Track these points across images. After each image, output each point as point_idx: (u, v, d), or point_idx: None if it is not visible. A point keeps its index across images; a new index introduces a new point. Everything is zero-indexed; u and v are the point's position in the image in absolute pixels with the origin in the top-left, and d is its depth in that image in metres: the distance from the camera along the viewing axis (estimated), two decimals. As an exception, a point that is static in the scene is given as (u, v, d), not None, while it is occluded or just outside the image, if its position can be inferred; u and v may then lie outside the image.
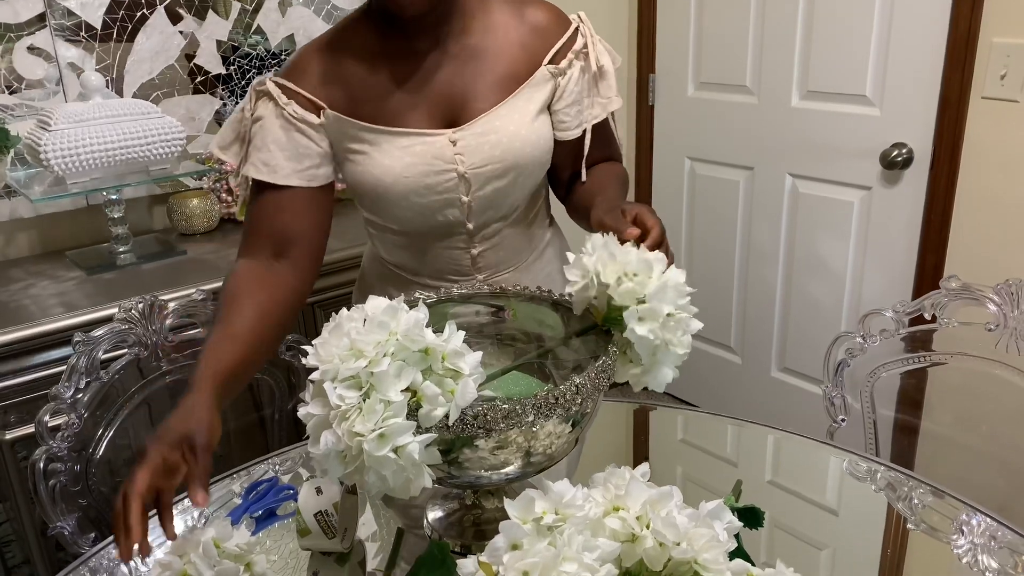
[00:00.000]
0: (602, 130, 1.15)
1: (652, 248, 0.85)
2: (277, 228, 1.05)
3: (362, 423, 0.68)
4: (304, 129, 1.06)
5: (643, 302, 0.81)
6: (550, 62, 1.10)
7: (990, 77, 1.82)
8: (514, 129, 1.08)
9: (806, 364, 2.38)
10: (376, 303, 0.74)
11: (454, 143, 1.07)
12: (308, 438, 0.74)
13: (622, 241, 0.85)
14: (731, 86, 2.37)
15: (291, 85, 1.06)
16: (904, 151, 2.00)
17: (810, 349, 2.35)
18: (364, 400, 0.69)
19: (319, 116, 1.07)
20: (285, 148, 1.05)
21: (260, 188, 1.06)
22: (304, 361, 0.74)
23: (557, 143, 1.14)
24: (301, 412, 0.73)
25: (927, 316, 1.26)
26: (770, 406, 2.52)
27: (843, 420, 1.33)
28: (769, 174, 2.34)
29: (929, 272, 2.03)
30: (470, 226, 1.13)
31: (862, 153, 2.09)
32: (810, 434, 1.22)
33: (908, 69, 1.96)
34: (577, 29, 1.12)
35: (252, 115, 1.07)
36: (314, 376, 0.72)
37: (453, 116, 1.08)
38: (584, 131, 1.13)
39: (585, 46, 1.11)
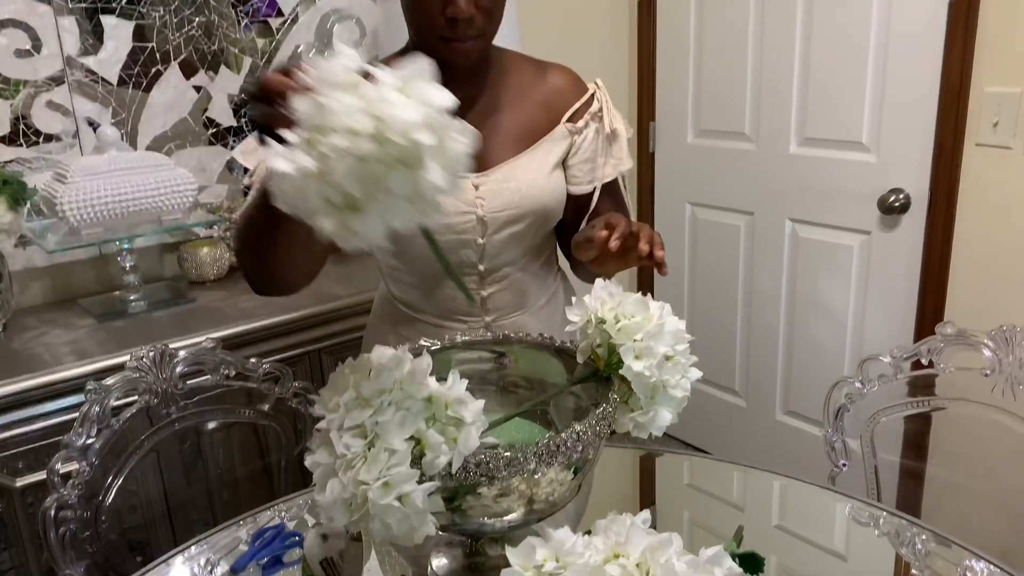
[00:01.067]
0: (613, 190, 1.23)
1: (621, 237, 0.90)
2: None
3: (367, 472, 0.69)
4: None
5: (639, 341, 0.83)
6: (568, 120, 1.19)
7: (983, 125, 1.86)
8: (532, 178, 1.15)
9: (810, 407, 2.38)
10: (380, 352, 0.77)
11: (476, 187, 1.13)
12: (314, 486, 0.75)
13: (591, 240, 0.90)
14: (730, 133, 2.41)
15: None
16: (901, 196, 2.03)
17: (814, 392, 2.36)
18: (369, 449, 0.71)
19: None
20: None
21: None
22: (312, 410, 0.76)
23: (568, 198, 1.21)
24: (308, 461, 0.74)
25: (924, 361, 1.28)
26: (775, 449, 2.51)
27: (844, 465, 1.34)
28: (769, 219, 2.37)
29: (930, 315, 2.05)
30: (482, 268, 1.19)
31: (860, 198, 2.13)
32: (816, 478, 1.23)
33: (903, 117, 2.00)
34: (594, 95, 1.21)
35: None
36: (321, 425, 0.73)
37: (477, 161, 1.13)
38: (595, 188, 1.21)
39: (601, 110, 1.20)
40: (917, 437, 1.43)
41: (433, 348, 0.98)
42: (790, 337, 2.40)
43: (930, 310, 2.05)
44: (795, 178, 2.27)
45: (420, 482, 0.72)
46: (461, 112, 1.12)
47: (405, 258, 1.19)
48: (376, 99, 0.59)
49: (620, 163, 1.22)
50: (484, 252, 1.18)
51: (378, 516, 0.70)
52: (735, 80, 2.35)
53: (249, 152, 1.10)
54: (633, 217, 1.28)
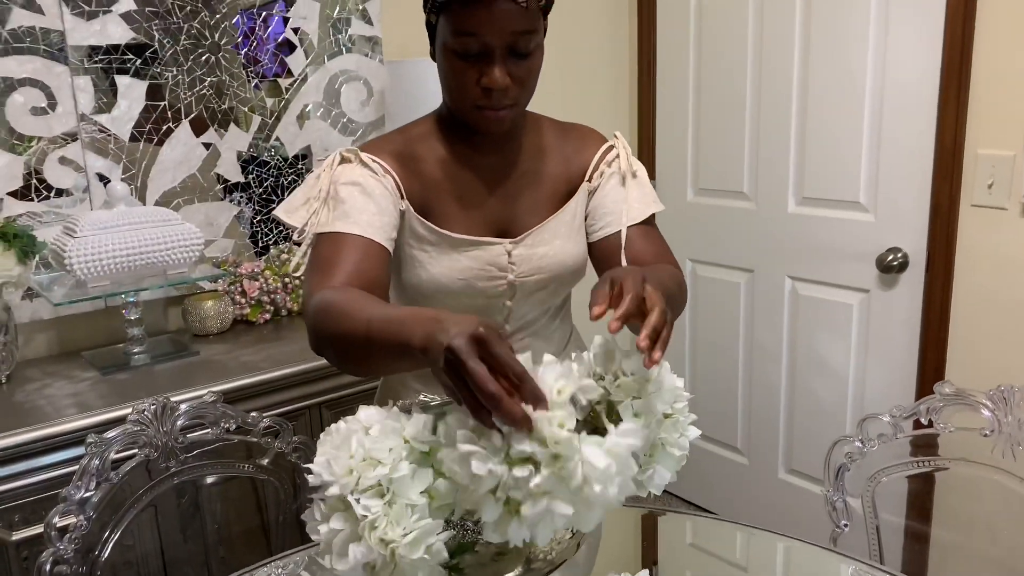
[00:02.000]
0: (652, 235, 1.18)
1: (622, 319, 0.77)
2: (358, 269, 1.01)
3: (392, 529, 0.69)
4: (393, 200, 1.09)
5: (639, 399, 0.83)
6: (588, 178, 1.20)
7: (978, 186, 1.89)
8: (560, 243, 1.17)
9: (813, 466, 2.36)
10: (370, 413, 0.77)
11: (509, 253, 1.15)
12: (313, 544, 0.75)
13: (591, 317, 0.81)
14: (729, 192, 2.45)
15: (382, 162, 1.10)
16: (899, 255, 2.05)
17: (816, 451, 2.34)
18: (389, 507, 0.70)
19: (402, 201, 1.11)
20: (372, 207, 1.06)
21: (335, 238, 1.04)
22: (310, 480, 0.74)
23: (599, 245, 1.18)
24: (323, 530, 0.73)
25: (923, 421, 1.28)
26: (777, 508, 2.49)
27: (846, 525, 1.33)
28: (769, 276, 2.39)
29: (930, 373, 2.05)
30: (508, 328, 1.21)
31: (858, 257, 2.15)
32: (818, 538, 1.22)
33: (899, 177, 2.03)
34: (613, 146, 1.21)
35: (337, 179, 1.08)
36: (332, 491, 0.72)
37: (504, 226, 1.16)
38: (621, 229, 1.16)
39: (618, 156, 1.20)
40: (920, 497, 1.42)
41: (433, 403, 0.98)
42: (791, 395, 2.40)
43: (931, 368, 2.05)
44: (794, 236, 2.30)
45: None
46: (494, 177, 1.15)
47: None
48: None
49: (646, 206, 1.17)
50: (511, 314, 1.20)
51: (408, 573, 0.70)
52: (733, 139, 2.40)
53: (294, 210, 1.10)
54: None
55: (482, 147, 1.15)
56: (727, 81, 2.38)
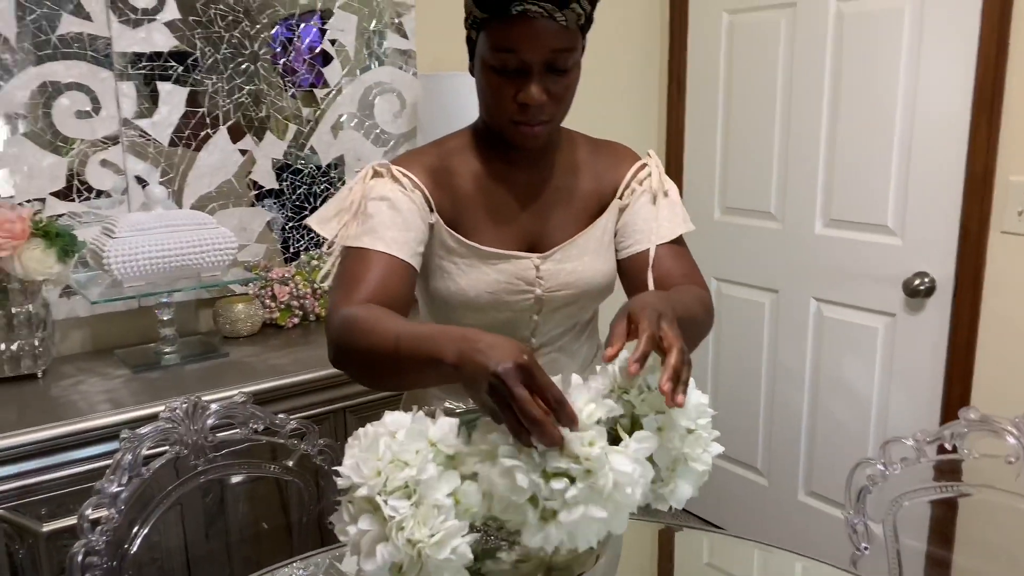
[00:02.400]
0: (681, 255, 1.18)
1: (640, 361, 0.79)
2: (381, 286, 1.03)
3: (419, 530, 0.71)
4: (422, 216, 1.11)
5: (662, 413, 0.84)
6: (619, 195, 1.21)
7: (1008, 213, 1.89)
8: (588, 260, 1.18)
9: (833, 489, 2.35)
10: (396, 417, 0.79)
11: (537, 267, 1.16)
12: (333, 545, 0.76)
13: (605, 359, 0.83)
14: (756, 212, 2.45)
15: (412, 176, 1.12)
16: (927, 280, 2.04)
17: (837, 474, 2.33)
18: (416, 508, 0.72)
19: (432, 215, 1.13)
20: (400, 223, 1.08)
21: (361, 253, 1.06)
22: (339, 482, 0.76)
23: (629, 261, 1.19)
24: (351, 531, 0.75)
25: (947, 446, 1.27)
26: (796, 531, 2.47)
27: (866, 548, 1.32)
28: (794, 297, 2.39)
29: (956, 399, 2.03)
30: (533, 342, 1.22)
31: (885, 280, 2.14)
32: (838, 561, 1.22)
33: (928, 202, 2.03)
34: (646, 164, 1.22)
35: (367, 193, 1.10)
36: (361, 492, 0.74)
37: (534, 241, 1.18)
38: (649, 248, 1.17)
39: (650, 175, 1.20)
40: (942, 523, 1.41)
41: (458, 411, 1.00)
42: (814, 417, 2.39)
43: (956, 394, 2.04)
44: (820, 258, 2.29)
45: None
46: (526, 193, 1.17)
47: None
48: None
49: (675, 226, 1.18)
50: (537, 328, 1.21)
51: (434, 573, 0.72)
52: (762, 160, 2.40)
53: (326, 221, 1.12)
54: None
55: (516, 162, 1.16)
56: (756, 100, 2.39)
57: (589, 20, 1.07)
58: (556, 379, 0.77)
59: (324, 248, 1.12)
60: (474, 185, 1.16)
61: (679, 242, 1.18)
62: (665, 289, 1.12)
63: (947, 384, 2.06)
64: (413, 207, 1.10)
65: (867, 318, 2.21)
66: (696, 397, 0.87)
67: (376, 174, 1.12)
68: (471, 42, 1.09)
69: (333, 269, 1.10)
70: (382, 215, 1.08)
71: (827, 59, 2.19)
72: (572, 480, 0.71)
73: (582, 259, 1.18)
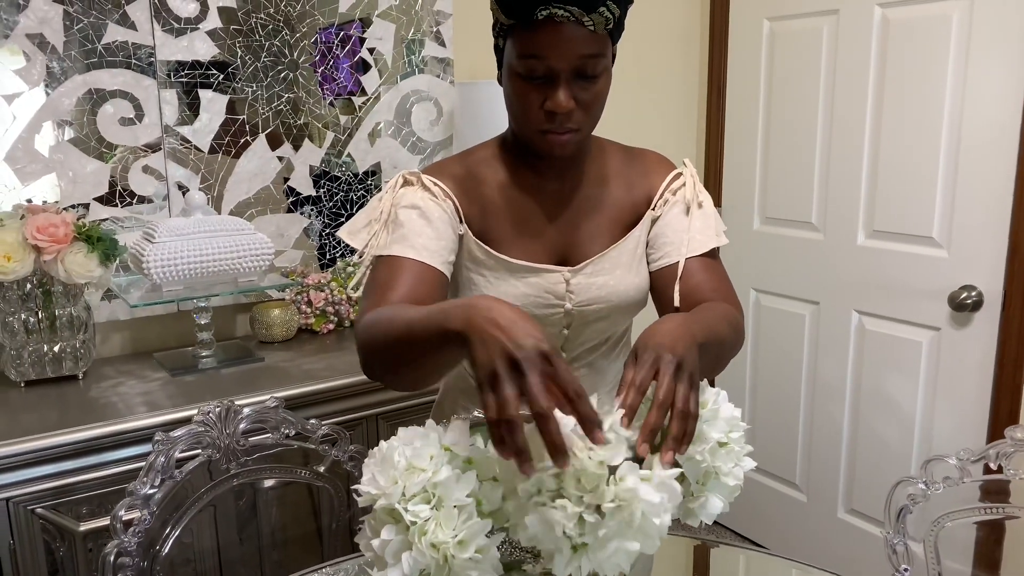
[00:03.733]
0: (713, 268, 1.13)
1: (648, 439, 0.76)
2: (411, 295, 1.02)
3: (442, 532, 0.71)
4: (452, 224, 1.10)
5: None
6: (652, 206, 1.17)
7: (1060, 225, 1.82)
8: (620, 273, 1.14)
9: (874, 507, 2.29)
10: (408, 432, 0.79)
11: (567, 281, 1.13)
12: (361, 552, 0.76)
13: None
14: (797, 222, 2.41)
15: (443, 185, 1.11)
16: (974, 294, 1.98)
17: (879, 491, 2.27)
18: (436, 511, 0.72)
19: (461, 225, 1.11)
20: (430, 231, 1.07)
21: (391, 261, 1.05)
22: (360, 501, 0.76)
23: (662, 281, 1.15)
24: (375, 543, 0.75)
25: (992, 466, 1.23)
26: (836, 548, 2.41)
27: (907, 570, 1.28)
28: (835, 309, 2.34)
29: (1004, 417, 1.97)
30: (563, 356, 1.17)
31: (930, 294, 2.08)
32: (875, 582, 1.18)
33: (975, 213, 1.97)
34: (681, 174, 1.18)
35: (398, 202, 1.09)
36: (380, 503, 0.74)
37: (565, 253, 1.15)
38: (679, 260, 1.12)
39: (684, 185, 1.16)
40: (988, 546, 1.37)
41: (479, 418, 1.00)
42: (855, 432, 2.33)
43: (1004, 412, 1.97)
44: (863, 270, 2.24)
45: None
46: (556, 204, 1.15)
47: None
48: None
49: (708, 239, 1.13)
50: (567, 342, 1.18)
51: (461, 574, 0.71)
52: (803, 169, 2.36)
53: (356, 232, 1.11)
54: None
55: (545, 172, 1.14)
56: (797, 108, 2.35)
57: (619, 26, 1.03)
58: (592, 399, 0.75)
59: (355, 257, 1.11)
60: (502, 196, 1.14)
61: (712, 255, 1.14)
62: (693, 304, 1.08)
63: (994, 401, 2.00)
64: (444, 216, 1.08)
65: (911, 332, 2.15)
66: (728, 410, 0.86)
67: (406, 183, 1.11)
68: (499, 50, 1.07)
69: (364, 278, 1.08)
70: (413, 223, 1.06)
71: (871, 66, 2.14)
72: (603, 514, 0.70)
73: (614, 273, 1.14)
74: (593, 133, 1.14)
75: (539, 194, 1.14)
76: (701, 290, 1.09)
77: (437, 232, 1.07)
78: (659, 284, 1.15)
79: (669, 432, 0.77)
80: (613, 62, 1.07)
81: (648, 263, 1.17)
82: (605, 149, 1.19)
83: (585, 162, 1.16)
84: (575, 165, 1.15)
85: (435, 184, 1.10)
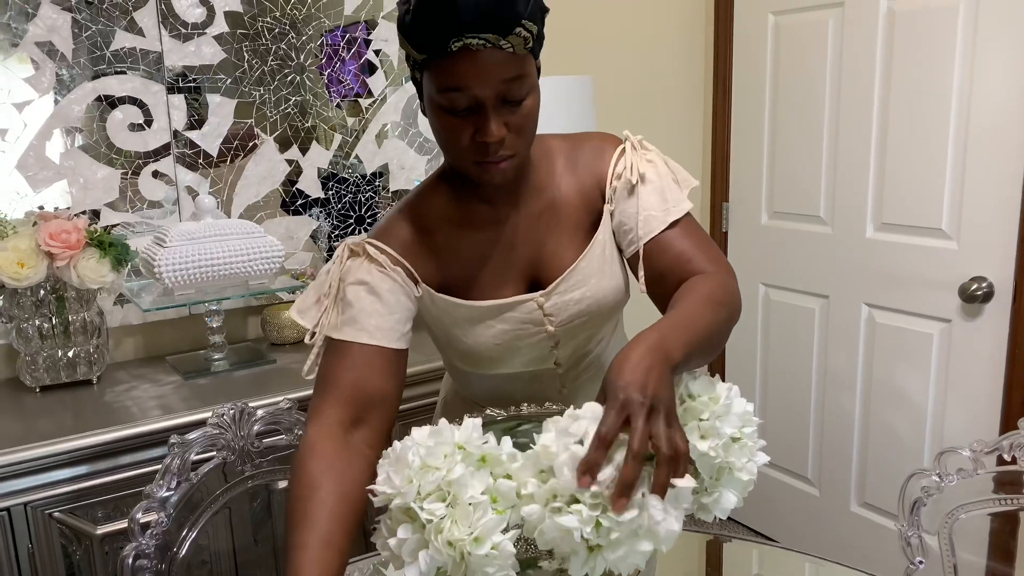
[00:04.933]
0: (687, 231, 1.06)
1: (622, 494, 0.73)
2: (361, 387, 0.99)
3: (458, 529, 0.72)
4: (405, 292, 1.05)
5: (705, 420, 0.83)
6: (608, 200, 1.10)
7: (1070, 214, 1.82)
8: (595, 282, 1.09)
9: (886, 500, 2.29)
10: (422, 432, 0.79)
11: (541, 306, 1.09)
12: (375, 552, 0.77)
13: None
14: (804, 216, 2.41)
15: (389, 250, 1.06)
16: (984, 285, 1.98)
17: (891, 484, 2.26)
18: (451, 508, 0.73)
19: (416, 288, 1.07)
20: (380, 308, 1.02)
21: (342, 347, 1.01)
22: (375, 502, 0.77)
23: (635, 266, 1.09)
24: (392, 542, 0.76)
25: (1006, 457, 1.23)
26: (848, 542, 2.41)
27: (921, 562, 1.28)
28: (845, 303, 2.33)
29: (1015, 409, 1.96)
30: (561, 372, 1.17)
31: (940, 286, 2.08)
32: (891, 574, 1.18)
33: (985, 204, 1.96)
34: (623, 151, 1.09)
35: (345, 276, 1.05)
36: (396, 503, 0.75)
37: (535, 274, 1.10)
38: (639, 250, 1.06)
39: (624, 165, 1.08)
40: (1003, 537, 1.36)
41: (499, 418, 1.00)
42: (866, 425, 2.33)
43: (1016, 403, 1.96)
44: (872, 263, 2.24)
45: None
46: (512, 228, 1.10)
47: (480, 371, 1.16)
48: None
49: (666, 213, 1.05)
50: (559, 359, 1.15)
51: (479, 571, 0.72)
52: (810, 163, 2.36)
53: (306, 310, 1.06)
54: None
55: (493, 197, 1.08)
56: (804, 102, 2.35)
57: (539, 42, 0.97)
58: (589, 406, 0.77)
59: (307, 339, 1.06)
60: (457, 239, 1.09)
61: (680, 220, 1.06)
62: (684, 275, 1.02)
63: (1006, 393, 1.99)
64: (395, 286, 1.04)
65: (921, 324, 2.15)
66: (741, 405, 0.86)
67: (352, 254, 1.06)
68: (417, 83, 1.00)
69: (317, 360, 1.04)
70: (361, 301, 1.02)
71: (877, 59, 2.14)
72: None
73: (588, 283, 1.09)
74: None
75: (493, 224, 1.09)
76: (684, 259, 1.03)
77: (388, 307, 1.03)
78: (636, 269, 1.08)
79: (655, 479, 0.74)
80: (539, 74, 1.01)
81: (623, 253, 1.11)
82: (549, 151, 1.11)
83: (531, 174, 1.09)
84: (522, 181, 1.08)
85: (383, 252, 1.05)
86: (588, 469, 0.73)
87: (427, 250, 1.08)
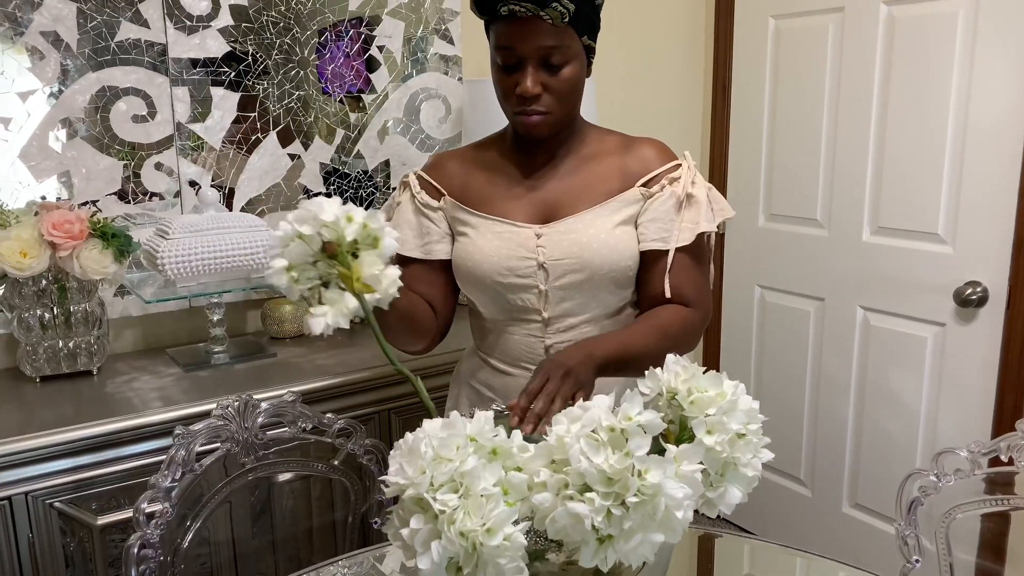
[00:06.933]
0: (682, 265, 1.24)
1: (528, 421, 0.99)
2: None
3: (471, 520, 0.72)
4: (428, 212, 1.32)
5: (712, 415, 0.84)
6: (643, 185, 1.26)
7: (1065, 221, 1.84)
8: (594, 232, 1.23)
9: (879, 502, 2.31)
10: (434, 423, 0.80)
11: (538, 236, 1.25)
12: (377, 545, 0.77)
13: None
14: (801, 219, 2.43)
15: (425, 176, 1.35)
16: (978, 289, 2.00)
17: (883, 486, 2.29)
18: (464, 499, 0.74)
19: (439, 201, 1.32)
20: (412, 227, 1.32)
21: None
22: (387, 492, 0.78)
23: (646, 258, 1.26)
24: (405, 532, 0.76)
25: (1003, 458, 1.25)
26: (840, 543, 2.43)
27: (918, 561, 1.30)
28: (840, 306, 2.35)
29: (1008, 412, 1.99)
30: (545, 315, 1.27)
31: (935, 289, 2.10)
32: (885, 574, 1.19)
33: (980, 209, 1.99)
34: (679, 165, 1.27)
35: (396, 201, 1.36)
36: (409, 492, 0.76)
37: (546, 215, 1.27)
38: (669, 250, 1.24)
39: (679, 176, 1.25)
40: (994, 537, 1.38)
41: (506, 413, 1.01)
42: (859, 428, 2.35)
43: (1009, 407, 1.99)
44: (868, 266, 2.26)
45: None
46: (542, 175, 1.27)
47: (477, 297, 1.33)
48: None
49: (696, 226, 1.23)
50: (547, 299, 1.26)
51: (490, 562, 0.73)
52: (808, 166, 2.38)
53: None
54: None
55: (534, 151, 1.29)
56: (803, 106, 2.37)
57: (584, 21, 1.16)
58: (599, 398, 0.79)
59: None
60: (490, 168, 1.31)
61: (694, 248, 1.24)
62: (651, 296, 1.24)
63: (999, 397, 2.01)
64: (419, 208, 1.32)
65: (916, 328, 2.17)
66: (747, 402, 0.87)
67: (403, 186, 1.35)
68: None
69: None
70: (399, 222, 1.33)
71: (876, 64, 2.16)
72: (628, 507, 0.73)
73: (587, 232, 1.23)
74: (597, 124, 1.27)
75: (526, 167, 1.29)
76: (673, 282, 1.23)
77: (419, 224, 1.32)
78: (640, 266, 1.27)
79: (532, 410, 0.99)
80: (592, 55, 1.21)
81: (640, 242, 1.26)
82: (604, 137, 1.31)
83: (576, 144, 1.29)
84: (561, 143, 1.27)
85: (419, 177, 1.35)
86: (518, 414, 0.99)
87: (463, 177, 1.31)
